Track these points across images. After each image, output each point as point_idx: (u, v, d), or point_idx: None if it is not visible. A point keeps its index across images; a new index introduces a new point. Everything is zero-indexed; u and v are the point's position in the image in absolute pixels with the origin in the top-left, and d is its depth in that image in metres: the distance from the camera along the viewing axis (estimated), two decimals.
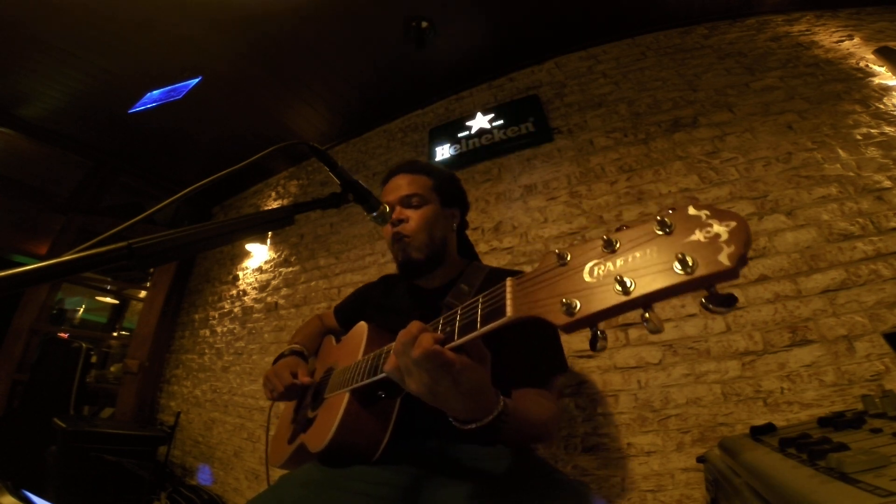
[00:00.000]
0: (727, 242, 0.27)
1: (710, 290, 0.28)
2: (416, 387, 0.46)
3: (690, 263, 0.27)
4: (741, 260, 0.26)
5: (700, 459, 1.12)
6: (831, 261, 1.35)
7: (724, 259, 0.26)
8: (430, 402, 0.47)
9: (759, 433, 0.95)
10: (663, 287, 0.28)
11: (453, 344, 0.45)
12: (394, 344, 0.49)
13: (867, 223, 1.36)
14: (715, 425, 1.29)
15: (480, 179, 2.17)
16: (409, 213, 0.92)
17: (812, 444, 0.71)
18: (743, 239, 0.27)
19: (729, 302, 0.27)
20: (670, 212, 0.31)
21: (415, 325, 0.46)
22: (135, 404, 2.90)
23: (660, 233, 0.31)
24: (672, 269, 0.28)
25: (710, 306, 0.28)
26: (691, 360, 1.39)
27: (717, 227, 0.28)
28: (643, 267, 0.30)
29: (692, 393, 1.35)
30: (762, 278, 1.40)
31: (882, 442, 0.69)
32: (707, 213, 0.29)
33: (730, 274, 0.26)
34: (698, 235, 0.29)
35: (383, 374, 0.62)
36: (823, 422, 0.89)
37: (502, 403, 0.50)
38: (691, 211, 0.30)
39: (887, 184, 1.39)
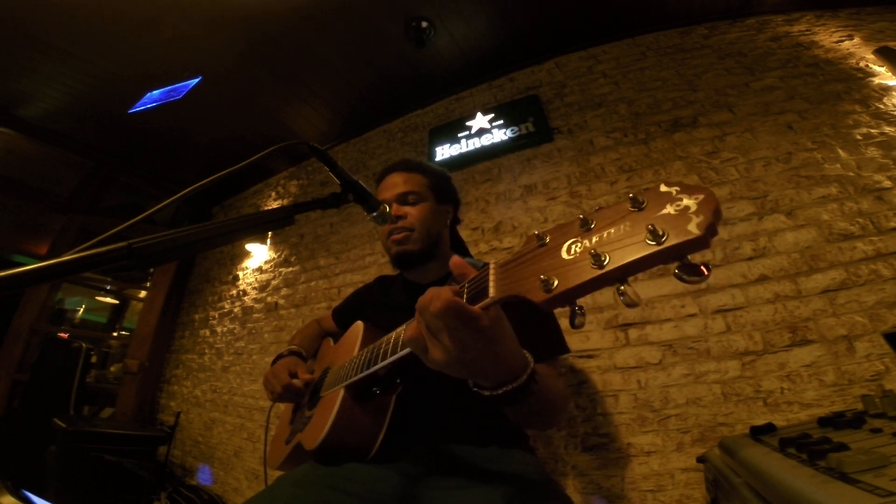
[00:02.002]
0: (696, 213, 0.28)
1: (683, 261, 0.28)
2: (441, 350, 0.41)
3: (661, 234, 0.28)
4: (710, 228, 0.27)
5: (700, 459, 1.12)
6: (831, 261, 1.35)
7: (693, 228, 0.27)
8: (456, 370, 0.42)
9: (759, 433, 0.95)
10: (636, 259, 0.29)
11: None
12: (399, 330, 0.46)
13: (867, 223, 1.36)
14: (715, 425, 1.29)
15: (480, 179, 2.17)
16: (407, 209, 0.95)
17: (812, 444, 0.71)
18: (711, 208, 0.27)
19: (700, 272, 0.28)
20: (643, 190, 0.32)
21: (431, 288, 0.43)
22: (135, 404, 2.90)
23: (633, 209, 0.32)
24: (644, 241, 0.29)
25: (684, 276, 0.28)
26: (691, 360, 1.39)
27: (687, 201, 0.29)
28: (617, 241, 0.31)
29: (692, 393, 1.35)
30: (762, 278, 1.40)
31: (882, 442, 0.69)
32: (677, 188, 0.30)
33: (699, 242, 0.27)
34: (669, 209, 0.29)
35: (380, 365, 0.62)
36: (823, 422, 0.89)
37: (532, 362, 0.47)
38: (663, 188, 0.31)
39: (887, 184, 1.39)
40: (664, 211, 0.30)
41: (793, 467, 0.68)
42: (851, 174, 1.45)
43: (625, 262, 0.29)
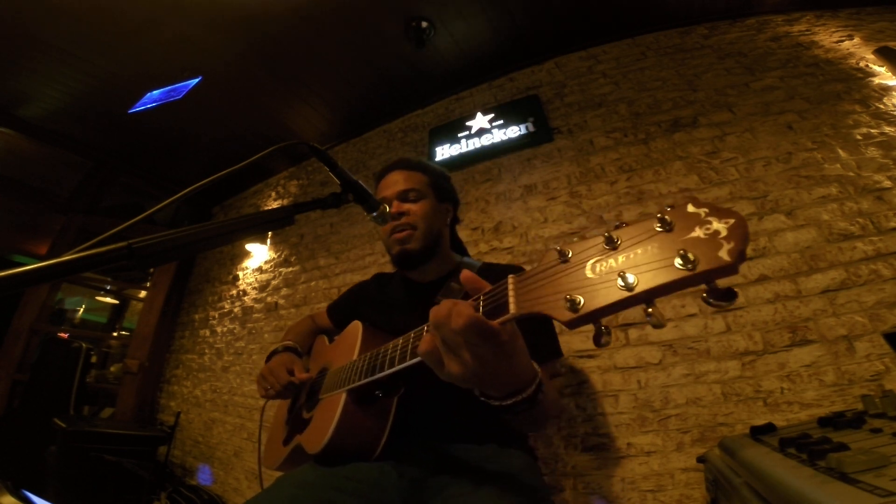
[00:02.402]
0: (727, 239, 0.28)
1: (711, 285, 0.28)
2: (458, 365, 0.40)
3: (692, 259, 0.28)
4: (741, 256, 0.27)
5: (700, 459, 1.12)
6: (831, 261, 1.35)
7: (724, 255, 0.27)
8: (471, 383, 0.42)
9: (759, 433, 0.95)
10: (666, 282, 0.29)
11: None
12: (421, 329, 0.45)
13: (867, 223, 1.36)
14: (715, 425, 1.29)
15: (480, 179, 2.17)
16: (409, 206, 0.94)
17: (812, 444, 0.71)
18: (742, 235, 0.27)
19: (729, 296, 0.28)
20: (669, 209, 0.32)
21: (446, 301, 0.42)
22: (135, 404, 2.90)
23: (660, 230, 0.31)
24: (674, 265, 0.29)
25: (711, 300, 0.28)
26: (691, 360, 1.39)
27: (717, 224, 0.29)
28: (645, 263, 0.31)
29: (692, 393, 1.35)
30: (762, 278, 1.40)
31: (882, 442, 0.69)
32: (706, 210, 0.30)
33: (730, 269, 0.27)
34: (698, 232, 0.29)
35: (387, 372, 0.61)
36: (823, 422, 0.89)
37: (540, 373, 0.48)
38: (690, 209, 0.31)
39: (887, 184, 1.39)
40: (693, 234, 0.29)
41: (793, 467, 0.68)
42: (851, 174, 1.45)
43: (655, 285, 0.29)
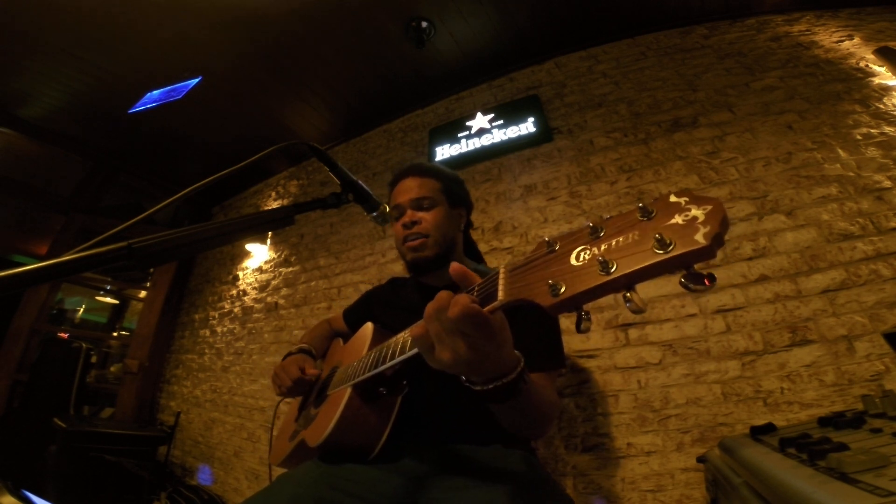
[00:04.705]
0: (703, 223, 0.28)
1: (689, 270, 0.29)
2: (450, 352, 0.42)
3: (668, 243, 0.29)
4: (716, 238, 0.27)
5: (700, 459, 1.12)
6: (831, 261, 1.35)
7: (699, 238, 0.28)
8: (458, 370, 0.44)
9: (759, 433, 0.95)
10: (642, 266, 0.30)
11: None
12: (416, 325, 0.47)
13: (867, 223, 1.36)
14: (715, 425, 1.29)
15: (480, 179, 2.17)
16: (422, 214, 0.95)
17: (812, 444, 0.71)
18: (718, 219, 0.28)
19: (705, 281, 0.29)
20: (653, 200, 0.33)
21: (444, 293, 0.43)
22: (135, 404, 2.90)
23: (642, 219, 0.32)
24: (651, 249, 0.30)
25: (690, 285, 0.29)
26: (691, 360, 1.39)
27: (695, 211, 0.30)
28: (624, 249, 0.32)
29: (692, 393, 1.35)
30: (762, 278, 1.40)
31: (882, 442, 0.69)
32: (686, 199, 0.31)
33: (706, 252, 0.27)
34: (677, 219, 0.30)
35: (387, 365, 0.62)
36: (823, 422, 0.89)
37: (522, 361, 0.50)
38: (672, 198, 0.32)
39: (887, 184, 1.39)
40: (672, 220, 0.30)
41: (793, 467, 0.68)
42: (851, 174, 1.45)
43: (631, 269, 0.30)
